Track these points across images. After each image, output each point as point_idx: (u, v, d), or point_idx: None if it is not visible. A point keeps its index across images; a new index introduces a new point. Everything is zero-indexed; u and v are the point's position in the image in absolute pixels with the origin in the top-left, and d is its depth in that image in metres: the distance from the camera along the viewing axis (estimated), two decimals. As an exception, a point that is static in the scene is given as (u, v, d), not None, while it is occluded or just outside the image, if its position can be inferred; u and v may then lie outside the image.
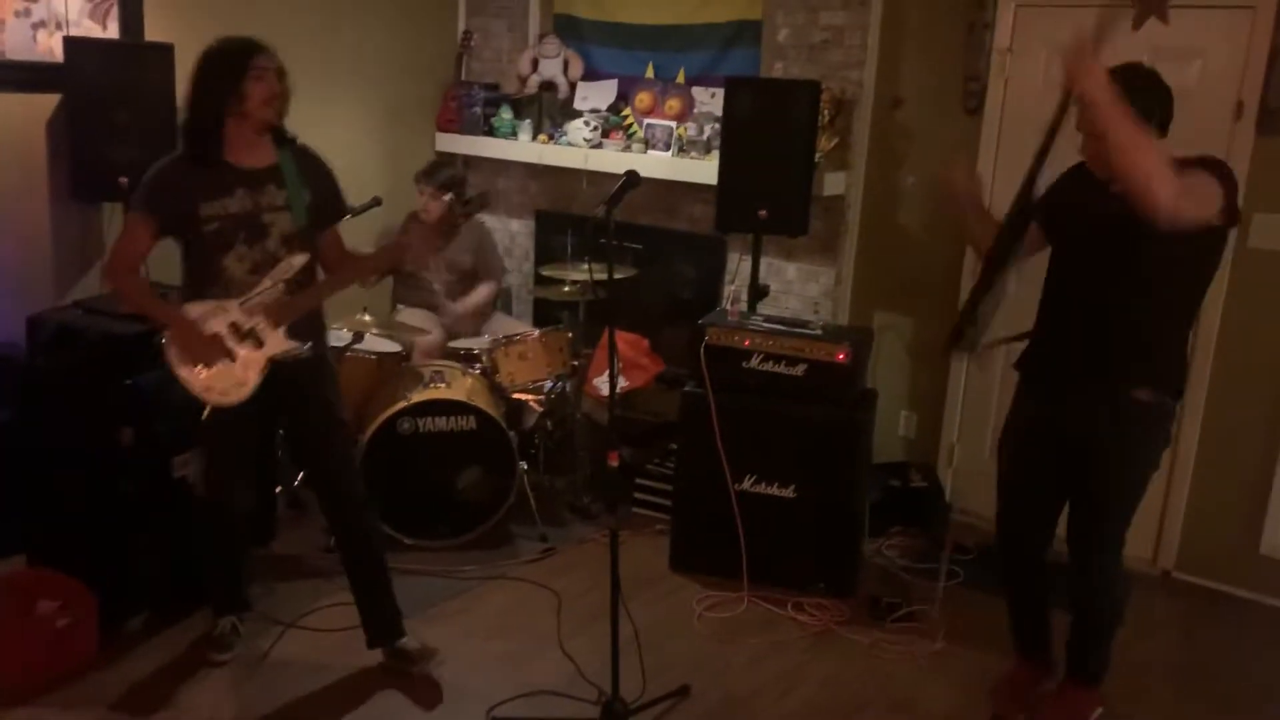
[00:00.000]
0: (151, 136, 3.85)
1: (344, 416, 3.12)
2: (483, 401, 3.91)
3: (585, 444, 4.35)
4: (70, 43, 3.81)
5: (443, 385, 3.90)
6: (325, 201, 2.99)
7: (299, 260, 2.88)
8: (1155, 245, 2.54)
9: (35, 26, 3.85)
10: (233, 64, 2.78)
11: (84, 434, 3.17)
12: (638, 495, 4.27)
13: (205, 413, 2.89)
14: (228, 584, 3.25)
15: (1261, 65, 3.60)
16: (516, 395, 4.24)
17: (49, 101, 3.90)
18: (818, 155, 4.17)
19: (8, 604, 3.03)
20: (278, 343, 2.86)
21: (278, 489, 3.99)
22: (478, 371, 4.15)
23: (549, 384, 4.26)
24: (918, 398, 4.51)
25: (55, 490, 3.24)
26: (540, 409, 4.35)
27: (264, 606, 3.39)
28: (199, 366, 2.83)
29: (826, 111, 4.27)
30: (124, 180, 3.81)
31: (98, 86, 3.78)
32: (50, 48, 3.87)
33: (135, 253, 2.89)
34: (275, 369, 2.87)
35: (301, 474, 4.19)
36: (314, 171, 2.97)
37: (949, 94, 4.22)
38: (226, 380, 2.84)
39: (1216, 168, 2.60)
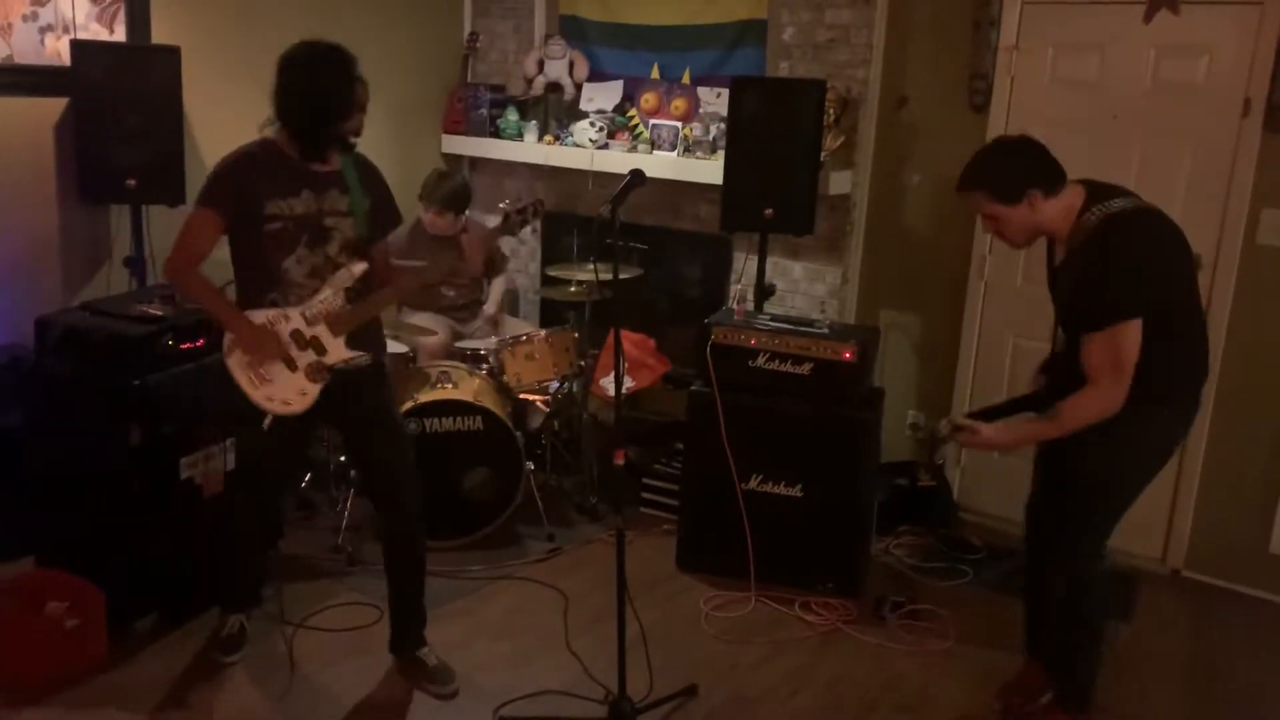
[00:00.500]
0: (159, 138, 3.87)
1: (398, 424, 3.10)
2: (489, 402, 3.92)
3: (592, 444, 4.35)
4: (77, 46, 3.82)
5: (449, 386, 3.90)
6: (382, 211, 2.97)
7: (359, 268, 2.84)
8: None
9: (43, 30, 3.86)
10: (345, 69, 2.78)
11: (92, 435, 3.17)
12: (645, 495, 4.27)
13: (267, 421, 2.82)
14: (242, 580, 3.26)
15: (1269, 61, 3.58)
16: (523, 395, 4.24)
17: (57, 105, 3.91)
18: (823, 154, 4.17)
19: (17, 605, 3.04)
20: (339, 351, 2.83)
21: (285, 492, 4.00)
22: (484, 372, 4.16)
23: (555, 384, 4.26)
24: (925, 397, 4.50)
25: (64, 491, 3.25)
26: (547, 409, 4.35)
27: (273, 607, 3.38)
28: (261, 376, 2.81)
29: (832, 110, 4.27)
30: (131, 182, 3.83)
31: (105, 89, 3.79)
32: (58, 51, 3.89)
33: (201, 249, 2.80)
34: (334, 378, 2.85)
35: (309, 475, 4.20)
36: (373, 180, 2.95)
37: (955, 92, 4.22)
38: (289, 390, 2.81)
39: (1107, 296, 2.57)
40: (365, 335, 2.91)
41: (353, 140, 2.94)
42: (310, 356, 2.81)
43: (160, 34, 4.14)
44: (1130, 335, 2.55)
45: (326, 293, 2.82)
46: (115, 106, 3.80)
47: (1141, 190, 3.86)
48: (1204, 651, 3.50)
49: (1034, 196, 2.65)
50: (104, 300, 3.56)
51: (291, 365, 2.81)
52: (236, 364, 2.81)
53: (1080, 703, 2.93)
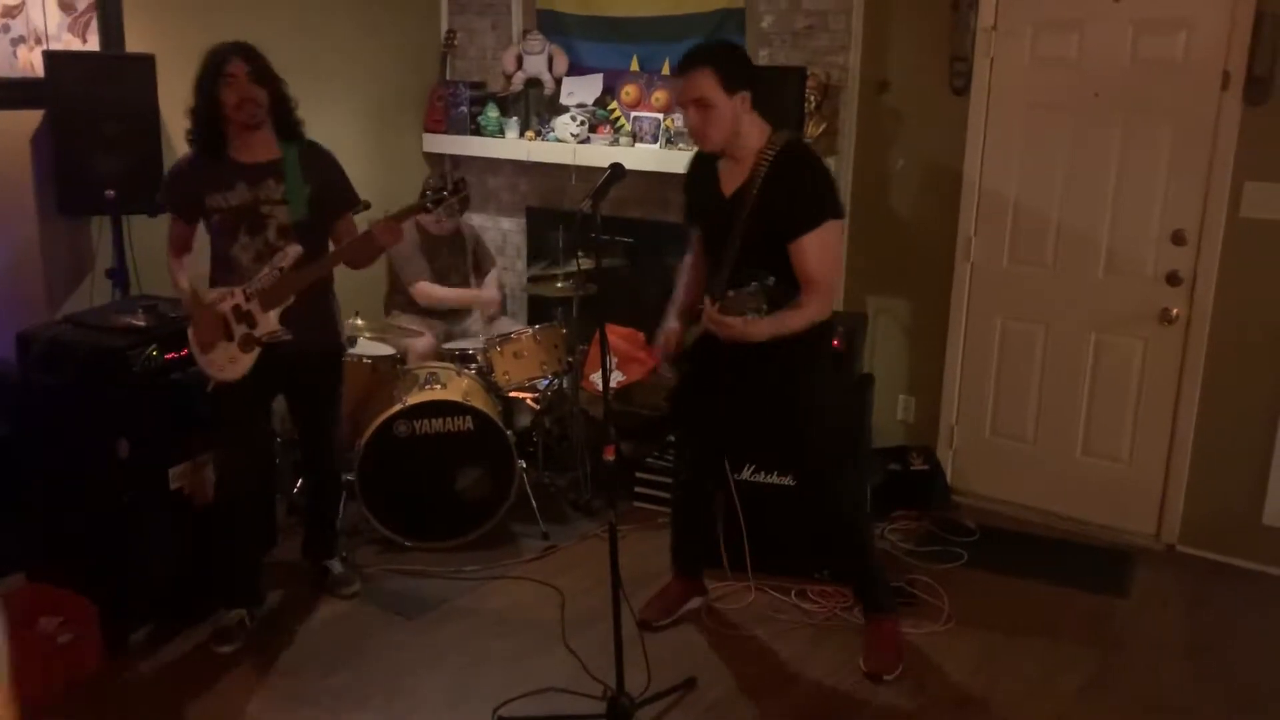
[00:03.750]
0: (136, 148, 3.83)
1: (336, 397, 3.47)
2: (479, 401, 3.90)
3: (583, 440, 4.34)
4: (51, 57, 3.78)
5: (438, 386, 3.88)
6: (329, 194, 3.20)
7: (294, 251, 3.08)
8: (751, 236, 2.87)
9: (15, 42, 3.83)
10: (208, 71, 3.05)
11: (80, 448, 3.16)
12: (638, 490, 4.26)
13: (209, 386, 3.15)
14: (239, 576, 3.31)
15: (1247, 34, 3.58)
16: (513, 394, 4.23)
17: (32, 117, 3.87)
18: (806, 141, 4.16)
19: (9, 621, 3.01)
20: (267, 325, 3.09)
21: (276, 495, 3.98)
22: (473, 372, 4.14)
23: (545, 381, 4.25)
24: (915, 381, 4.50)
25: (53, 505, 3.23)
26: (537, 407, 4.34)
27: (266, 613, 3.38)
28: (205, 345, 3.10)
29: (813, 97, 4.26)
30: (111, 193, 3.79)
31: (80, 100, 3.75)
32: (31, 63, 3.85)
33: (175, 239, 3.25)
34: (270, 352, 3.10)
35: (300, 481, 4.19)
36: (317, 166, 3.18)
37: (935, 75, 4.21)
38: (224, 357, 3.11)
39: (817, 196, 2.84)
40: (309, 317, 3.15)
41: (299, 129, 3.19)
42: (244, 329, 3.09)
43: (134, 43, 4.11)
44: (839, 235, 2.88)
45: (264, 272, 3.07)
46: (91, 117, 3.76)
47: (1125, 166, 3.92)
48: (1201, 626, 3.51)
49: (745, 97, 2.82)
50: (87, 313, 3.54)
51: (230, 336, 3.10)
52: (190, 334, 3.15)
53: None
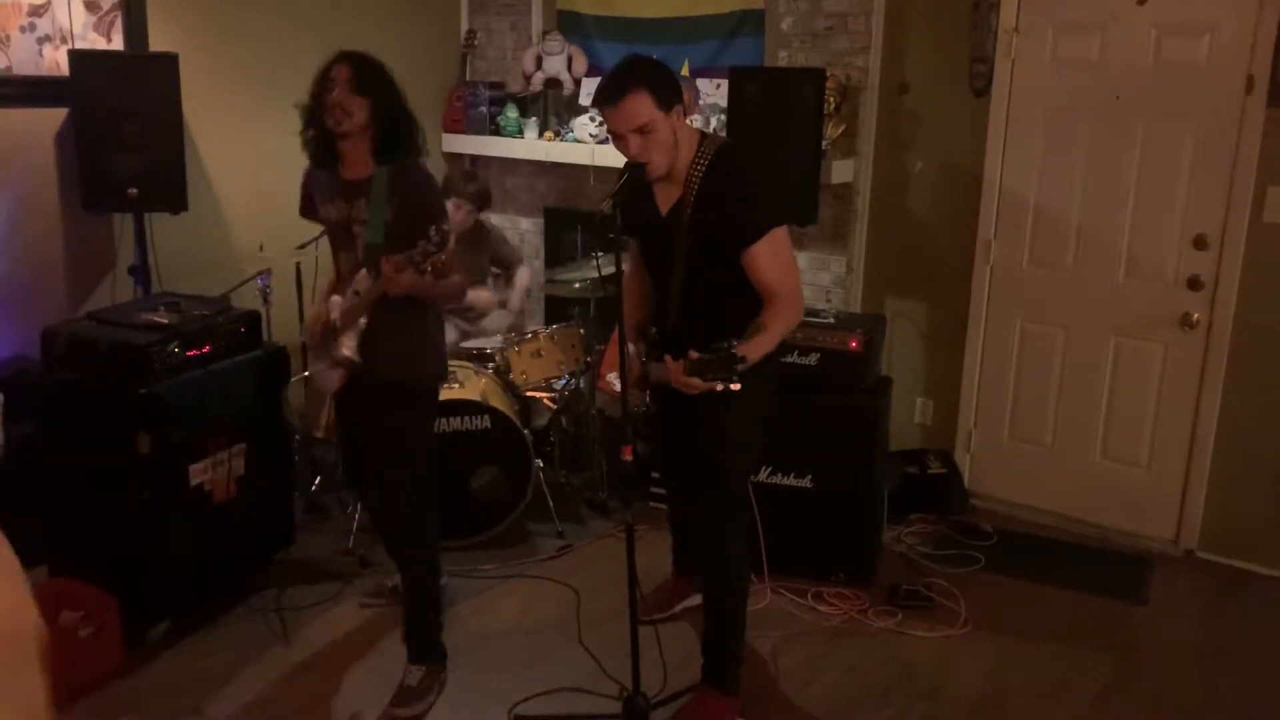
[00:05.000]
0: (159, 146, 3.86)
1: (404, 449, 3.00)
2: (497, 400, 3.91)
3: (600, 439, 4.35)
4: (75, 56, 3.82)
5: (456, 385, 3.90)
6: (409, 224, 2.81)
7: (361, 276, 2.90)
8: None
9: (41, 41, 3.87)
10: (319, 74, 2.90)
11: (101, 444, 3.18)
12: (654, 490, 4.26)
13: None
14: (411, 542, 3.21)
15: (1271, 38, 3.56)
16: (530, 393, 4.24)
17: (57, 115, 3.91)
18: (825, 143, 4.15)
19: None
20: (340, 347, 2.94)
21: (294, 494, 4.00)
22: (491, 371, 4.15)
23: (562, 381, 4.26)
24: (933, 384, 4.49)
25: (75, 501, 3.26)
26: (554, 406, 4.35)
27: (284, 611, 3.40)
28: (318, 353, 3.05)
29: (832, 99, 4.25)
30: (133, 191, 3.82)
31: (104, 98, 3.79)
32: (56, 62, 3.89)
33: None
34: (355, 377, 2.95)
35: (319, 479, 4.21)
36: (404, 193, 2.88)
37: (956, 77, 4.20)
38: (322, 368, 3.05)
39: (755, 203, 2.69)
40: (387, 350, 2.91)
41: (402, 149, 2.94)
42: (333, 346, 2.98)
43: (158, 42, 4.14)
44: (787, 239, 2.69)
45: (349, 291, 2.95)
46: (115, 115, 3.79)
47: (1146, 169, 3.89)
48: (1219, 632, 3.49)
49: (680, 111, 2.66)
50: (109, 309, 3.57)
51: (327, 349, 3.00)
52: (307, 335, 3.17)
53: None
